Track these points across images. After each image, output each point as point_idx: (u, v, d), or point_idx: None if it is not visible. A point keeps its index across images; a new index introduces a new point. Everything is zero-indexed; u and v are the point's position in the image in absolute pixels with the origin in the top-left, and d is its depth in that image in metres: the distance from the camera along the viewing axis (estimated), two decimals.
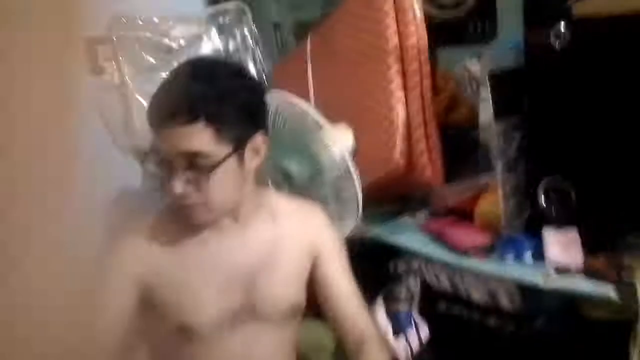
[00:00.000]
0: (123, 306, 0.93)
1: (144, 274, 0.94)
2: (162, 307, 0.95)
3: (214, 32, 2.00)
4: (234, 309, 0.96)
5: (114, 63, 1.92)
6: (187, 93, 0.88)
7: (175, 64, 1.15)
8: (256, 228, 1.00)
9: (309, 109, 1.25)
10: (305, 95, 1.42)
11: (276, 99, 1.24)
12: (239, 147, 0.91)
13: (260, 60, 2.04)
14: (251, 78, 1.02)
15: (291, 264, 1.04)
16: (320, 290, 1.07)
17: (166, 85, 0.93)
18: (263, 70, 1.97)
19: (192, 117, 0.86)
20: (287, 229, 1.04)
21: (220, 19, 1.98)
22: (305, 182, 1.32)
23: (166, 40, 1.91)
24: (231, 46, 2.01)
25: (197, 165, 0.88)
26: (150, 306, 0.95)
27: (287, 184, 1.32)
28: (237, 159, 0.91)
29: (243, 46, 1.98)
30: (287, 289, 1.03)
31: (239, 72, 0.98)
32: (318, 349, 1.38)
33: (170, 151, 0.88)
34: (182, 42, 1.99)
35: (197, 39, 2.00)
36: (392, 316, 1.31)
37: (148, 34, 1.91)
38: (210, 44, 2.02)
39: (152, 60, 1.90)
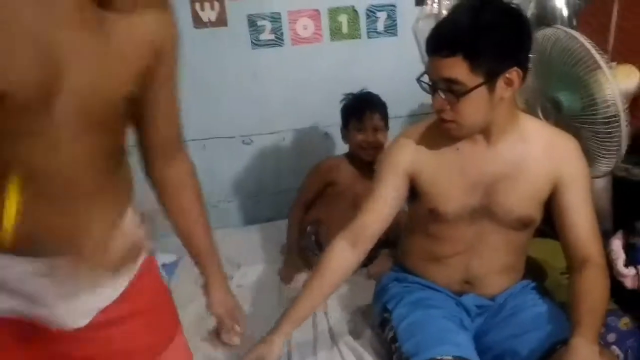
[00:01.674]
0: (395, 186, 1.22)
1: (410, 167, 1.22)
2: (421, 193, 1.24)
3: None
4: (473, 206, 1.20)
5: None
6: (452, 29, 1.07)
7: None
8: (505, 146, 1.16)
9: (591, 47, 1.34)
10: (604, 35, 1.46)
11: (558, 33, 1.38)
12: (491, 78, 1.05)
13: None
14: (517, 17, 1.09)
15: (530, 182, 1.17)
16: (558, 214, 1.19)
17: (442, 20, 1.13)
18: (572, 7, 2.00)
19: (451, 51, 1.04)
20: (534, 151, 1.17)
21: None
22: (574, 115, 1.44)
23: None
24: None
25: (452, 90, 1.07)
26: (412, 191, 1.26)
27: (556, 113, 1.47)
28: (487, 88, 1.06)
29: None
30: (520, 202, 1.18)
31: (507, 11, 1.08)
32: (550, 263, 1.56)
33: (434, 75, 1.10)
34: None
35: None
36: (628, 248, 1.36)
37: None
38: None
39: None
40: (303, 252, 1.93)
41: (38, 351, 0.79)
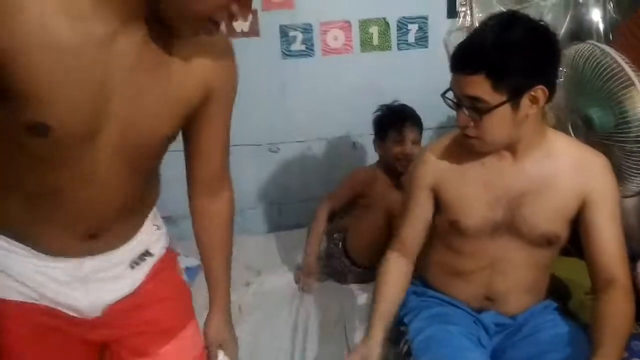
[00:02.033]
0: (421, 201, 1.26)
1: (433, 181, 1.23)
2: (443, 206, 1.24)
3: None
4: (495, 221, 1.19)
5: (468, 8, 2.25)
6: (476, 47, 1.06)
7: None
8: (531, 162, 1.15)
9: (625, 63, 1.31)
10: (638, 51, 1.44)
11: (591, 50, 1.35)
12: (515, 96, 1.04)
13: (609, 11, 2.02)
14: (544, 35, 1.06)
15: (556, 198, 1.15)
16: (584, 233, 1.15)
17: (468, 37, 1.11)
18: (609, 22, 1.96)
19: (475, 69, 1.03)
20: (562, 168, 1.14)
21: None
22: (605, 132, 1.40)
23: None
24: None
25: (475, 107, 1.07)
26: (436, 204, 1.26)
27: (586, 130, 1.44)
28: (511, 106, 1.05)
29: None
30: (545, 219, 1.16)
31: (534, 29, 1.06)
32: (576, 282, 1.51)
33: (458, 92, 1.10)
34: None
35: None
36: None
37: None
38: None
39: (502, 8, 2.13)
40: (328, 259, 1.93)
41: (63, 334, 0.90)
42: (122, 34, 0.72)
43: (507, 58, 1.03)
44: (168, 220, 1.06)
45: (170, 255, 1.03)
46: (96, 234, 0.85)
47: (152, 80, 0.77)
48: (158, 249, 0.99)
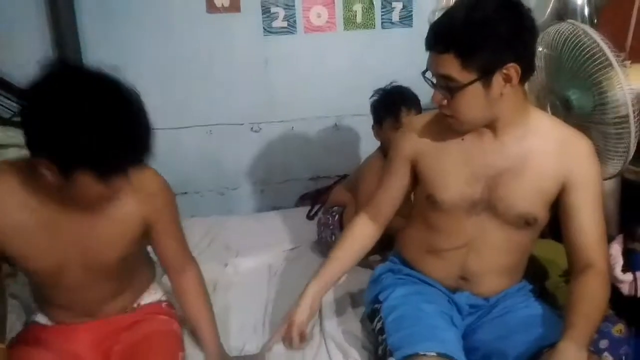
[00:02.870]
0: (400, 172, 1.28)
1: (412, 153, 1.25)
2: (421, 178, 1.25)
3: None
4: (473, 198, 1.18)
5: None
6: (447, 25, 1.05)
7: None
8: (512, 140, 1.14)
9: (605, 45, 1.29)
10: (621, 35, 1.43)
11: (570, 29, 1.33)
12: (485, 74, 1.04)
13: None
14: (515, 11, 1.05)
15: (535, 179, 1.14)
16: (564, 215, 1.14)
17: (440, 17, 1.10)
18: (594, 4, 1.94)
19: (444, 47, 1.03)
20: (543, 147, 1.14)
21: None
22: (584, 114, 1.39)
23: None
24: None
25: (448, 86, 1.07)
26: (415, 177, 1.27)
27: (565, 111, 1.43)
28: (482, 84, 1.05)
29: None
30: (523, 198, 1.15)
31: (504, 5, 1.04)
32: (553, 263, 1.51)
33: (432, 70, 1.10)
34: None
35: None
36: (627, 254, 1.32)
37: None
38: None
39: None
40: (320, 227, 1.92)
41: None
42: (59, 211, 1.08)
43: (475, 36, 1.02)
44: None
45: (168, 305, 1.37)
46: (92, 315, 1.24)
47: (94, 222, 1.12)
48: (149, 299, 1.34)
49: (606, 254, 1.16)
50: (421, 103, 2.14)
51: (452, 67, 1.04)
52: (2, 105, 2.09)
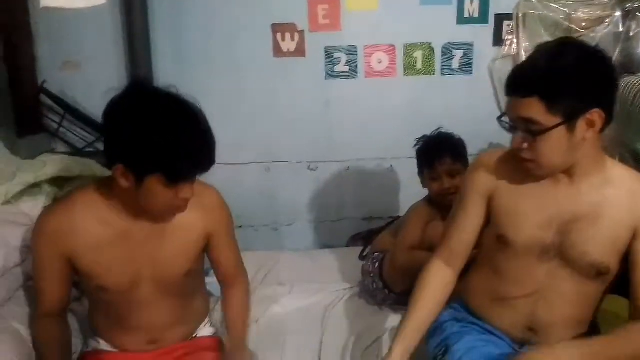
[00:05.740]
0: (476, 206, 1.25)
1: (490, 189, 1.24)
2: (493, 218, 1.24)
3: (618, 16, 2.05)
4: (544, 243, 1.17)
5: (515, 36, 2.25)
6: (530, 69, 1.07)
7: None
8: (588, 187, 1.14)
9: None
10: None
11: None
12: (570, 118, 1.05)
13: None
14: (598, 58, 1.07)
15: (609, 228, 1.13)
16: (631, 263, 1.13)
17: (522, 61, 1.14)
18: None
19: (528, 92, 1.05)
20: (617, 196, 1.13)
21: (628, 4, 2.01)
22: None
23: (566, 22, 2.09)
24: (633, 30, 2.02)
25: (530, 130, 1.07)
26: (487, 215, 1.25)
27: (635, 163, 1.40)
28: (567, 128, 1.06)
29: None
30: (596, 247, 1.13)
31: (590, 53, 1.07)
32: (618, 318, 1.44)
33: (512, 115, 1.11)
34: (583, 24, 2.12)
35: (599, 22, 2.09)
36: None
37: (552, 14, 2.13)
38: (611, 27, 2.09)
39: (549, 37, 2.12)
40: (363, 275, 1.91)
41: None
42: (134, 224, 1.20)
43: (560, 80, 1.03)
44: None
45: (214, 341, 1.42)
46: (156, 341, 1.29)
47: (164, 240, 1.22)
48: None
49: None
50: (475, 150, 2.13)
51: (537, 110, 1.05)
52: (76, 136, 2.24)
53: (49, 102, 2.21)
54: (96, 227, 1.17)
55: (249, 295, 1.43)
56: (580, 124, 1.06)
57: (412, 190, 2.02)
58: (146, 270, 1.22)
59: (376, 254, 1.93)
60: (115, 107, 1.09)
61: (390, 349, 1.18)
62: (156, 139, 1.04)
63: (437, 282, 1.26)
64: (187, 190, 1.12)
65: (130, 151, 1.06)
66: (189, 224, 1.23)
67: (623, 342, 1.09)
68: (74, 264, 1.19)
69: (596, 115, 1.06)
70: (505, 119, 1.14)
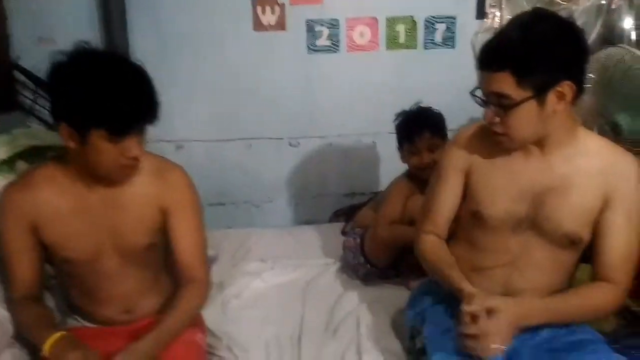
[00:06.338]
0: (454, 182, 1.27)
1: (467, 165, 1.25)
2: (469, 193, 1.25)
3: None
4: (518, 216, 1.18)
5: (498, 9, 2.23)
6: (502, 44, 1.08)
7: None
8: (559, 158, 1.15)
9: None
10: None
11: (623, 53, 1.32)
12: (540, 92, 1.06)
13: None
14: (569, 31, 1.08)
15: (581, 199, 1.14)
16: (595, 229, 1.15)
17: (493, 35, 1.13)
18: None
19: (499, 66, 1.05)
20: (589, 166, 1.14)
21: None
22: (633, 138, 1.37)
23: None
24: (615, 3, 2.01)
25: (501, 104, 1.08)
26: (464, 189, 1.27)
27: (614, 135, 1.41)
28: (537, 102, 1.06)
29: (627, 2, 1.95)
30: (569, 217, 1.15)
31: (561, 25, 1.07)
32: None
33: (484, 89, 1.12)
34: None
35: None
36: None
37: None
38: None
39: None
40: (344, 250, 1.91)
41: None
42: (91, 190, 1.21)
43: (531, 54, 1.04)
44: None
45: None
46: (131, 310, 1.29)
47: (117, 211, 1.22)
48: None
49: (629, 274, 1.15)
50: (457, 124, 2.13)
51: (508, 84, 1.06)
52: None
53: (22, 78, 2.15)
54: (57, 198, 1.19)
55: (201, 300, 1.29)
56: (551, 97, 1.07)
57: (394, 166, 2.01)
58: (108, 240, 1.22)
59: (357, 229, 1.93)
60: (56, 67, 1.11)
61: (460, 289, 1.16)
62: (92, 91, 1.06)
63: (441, 247, 1.29)
64: (134, 147, 1.13)
65: (70, 107, 1.08)
66: (145, 195, 1.24)
67: (580, 298, 1.16)
68: (39, 238, 1.20)
69: (566, 87, 1.06)
70: (479, 93, 1.14)
